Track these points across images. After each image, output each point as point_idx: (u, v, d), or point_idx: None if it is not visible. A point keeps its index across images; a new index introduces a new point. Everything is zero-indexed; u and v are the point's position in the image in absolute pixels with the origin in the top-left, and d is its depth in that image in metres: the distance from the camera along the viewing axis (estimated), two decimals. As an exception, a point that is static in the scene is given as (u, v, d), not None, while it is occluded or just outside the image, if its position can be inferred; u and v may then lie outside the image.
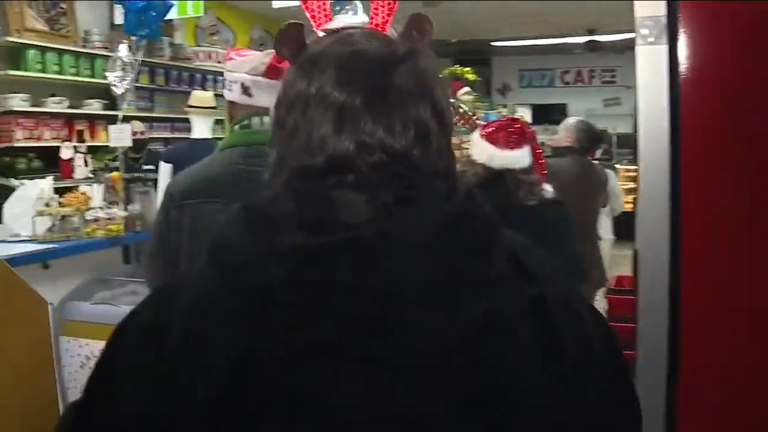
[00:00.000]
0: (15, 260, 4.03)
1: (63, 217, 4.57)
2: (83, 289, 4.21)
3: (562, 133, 4.72)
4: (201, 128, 5.14)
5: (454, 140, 5.98)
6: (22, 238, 4.54)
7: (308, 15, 1.05)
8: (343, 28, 1.02)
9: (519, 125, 2.99)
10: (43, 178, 5.22)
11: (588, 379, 0.92)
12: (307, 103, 0.95)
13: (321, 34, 1.03)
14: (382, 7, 1.03)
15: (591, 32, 13.02)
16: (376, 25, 1.03)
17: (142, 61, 8.53)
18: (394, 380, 0.84)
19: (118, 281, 4.35)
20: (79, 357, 4.09)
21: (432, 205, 0.90)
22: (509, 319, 0.89)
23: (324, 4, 1.05)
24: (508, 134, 2.90)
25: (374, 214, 0.88)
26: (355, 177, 0.91)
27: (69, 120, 7.74)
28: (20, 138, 7.06)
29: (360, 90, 0.93)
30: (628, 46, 3.45)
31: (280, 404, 0.82)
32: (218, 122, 5.23)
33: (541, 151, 3.08)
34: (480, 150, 2.93)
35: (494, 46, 14.96)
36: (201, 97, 5.23)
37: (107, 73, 4.99)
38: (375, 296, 0.85)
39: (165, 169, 4.99)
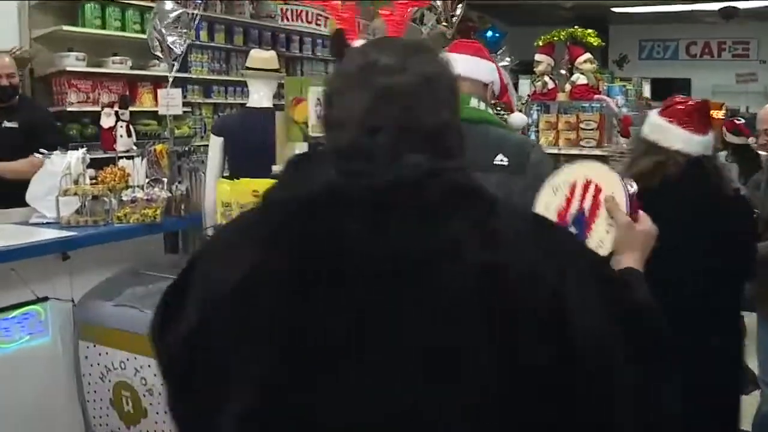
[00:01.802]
0: (24, 250, 3.47)
1: (95, 197, 4.01)
2: (110, 285, 3.80)
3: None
4: (260, 94, 4.47)
5: (571, 119, 5.23)
6: (47, 220, 4.02)
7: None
8: None
9: (707, 107, 2.90)
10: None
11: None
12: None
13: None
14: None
15: (727, -3, 11.93)
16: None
17: (218, 18, 8.28)
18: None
19: (153, 276, 3.85)
20: (99, 367, 3.60)
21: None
22: (450, 289, 1.02)
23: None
24: (700, 117, 2.77)
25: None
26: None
27: (132, 82, 7.31)
28: (74, 101, 6.65)
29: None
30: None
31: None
32: (280, 87, 4.55)
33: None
34: (672, 135, 2.74)
35: (614, 12, 14.10)
36: (261, 57, 4.55)
37: (151, 28, 4.39)
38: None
39: (215, 143, 4.40)
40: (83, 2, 6.79)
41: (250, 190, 3.07)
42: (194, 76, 7.90)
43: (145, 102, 7.30)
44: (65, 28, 6.58)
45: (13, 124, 4.87)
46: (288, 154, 3.79)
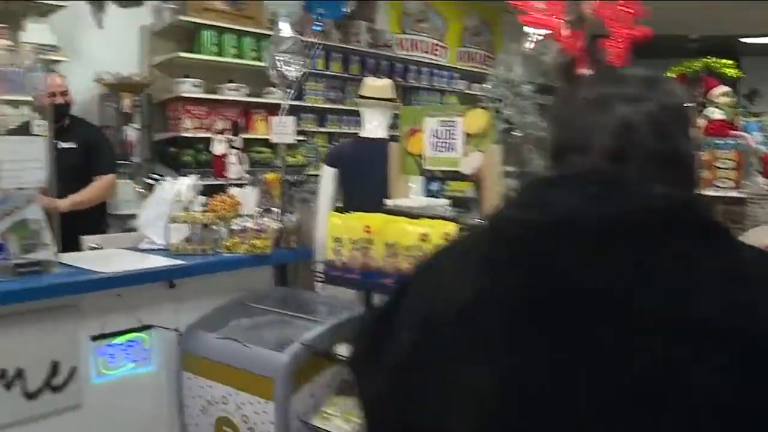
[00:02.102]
0: (132, 277, 3.45)
1: (205, 226, 3.97)
2: (215, 316, 3.73)
3: None
4: (374, 124, 4.37)
5: (706, 156, 4.92)
6: (156, 247, 4.03)
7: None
8: None
9: None
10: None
11: None
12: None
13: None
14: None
15: None
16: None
17: (336, 46, 8.30)
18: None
19: (259, 309, 3.80)
20: (200, 399, 3.54)
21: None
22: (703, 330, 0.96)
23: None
24: None
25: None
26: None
27: (246, 109, 7.36)
28: (189, 127, 6.76)
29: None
30: None
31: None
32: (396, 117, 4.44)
33: None
34: None
35: (743, 43, 13.67)
36: (376, 85, 4.45)
37: (268, 55, 4.35)
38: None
39: (328, 174, 4.32)
40: (201, 29, 6.91)
41: (362, 225, 2.95)
42: (309, 105, 7.92)
43: (259, 129, 7.33)
44: (183, 54, 6.71)
45: (71, 145, 4.80)
46: (402, 187, 3.68)
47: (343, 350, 3.15)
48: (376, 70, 8.73)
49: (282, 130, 4.34)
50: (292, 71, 4.35)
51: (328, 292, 3.81)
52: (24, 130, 3.54)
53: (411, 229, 2.83)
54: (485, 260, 1.11)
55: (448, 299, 1.10)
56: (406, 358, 1.12)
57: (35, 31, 5.65)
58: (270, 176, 4.29)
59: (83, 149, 4.71)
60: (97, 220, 4.60)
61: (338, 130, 8.35)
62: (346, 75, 8.51)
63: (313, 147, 7.95)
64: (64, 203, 3.76)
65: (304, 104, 7.77)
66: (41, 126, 3.59)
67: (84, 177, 4.64)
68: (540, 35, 4.08)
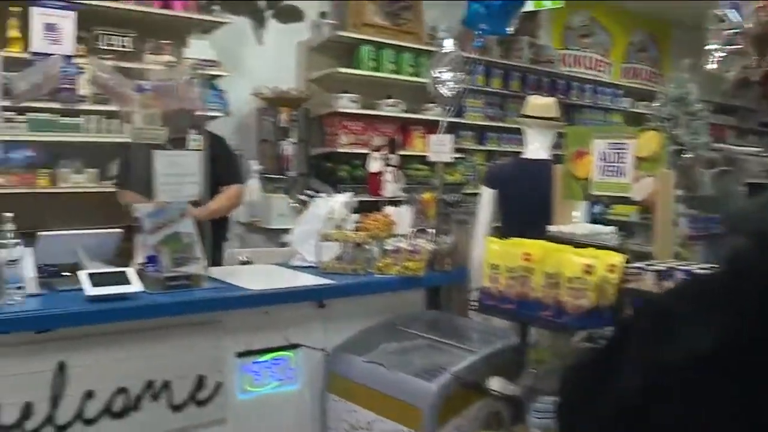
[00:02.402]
0: (280, 295, 3.43)
1: (357, 245, 3.90)
2: (363, 338, 3.67)
3: None
4: (536, 144, 4.18)
5: None
6: (306, 264, 4.01)
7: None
8: None
9: None
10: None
11: None
12: None
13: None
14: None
15: None
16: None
17: (496, 62, 8.14)
18: None
19: (409, 333, 3.70)
20: (345, 423, 3.52)
21: None
22: None
23: None
24: None
25: None
26: None
27: (404, 125, 7.33)
28: (345, 143, 6.78)
29: None
30: None
31: None
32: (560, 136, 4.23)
33: None
34: None
35: None
36: (540, 104, 4.26)
37: (432, 71, 4.24)
38: None
39: (486, 195, 4.18)
40: (360, 45, 6.92)
41: (521, 252, 2.77)
42: (468, 122, 7.79)
43: (416, 146, 7.28)
44: (341, 70, 6.76)
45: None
46: (566, 212, 3.48)
47: (495, 383, 2.98)
48: (538, 87, 8.52)
49: (440, 148, 4.23)
50: (453, 87, 4.22)
51: (481, 319, 3.67)
52: (180, 143, 3.56)
53: (575, 260, 2.63)
54: (731, 309, 1.02)
55: (685, 346, 1.02)
56: (634, 406, 1.04)
57: (197, 47, 5.80)
58: (426, 195, 4.18)
59: (210, 159, 4.63)
60: (221, 231, 4.59)
61: (498, 149, 8.21)
62: (506, 92, 8.36)
63: (471, 165, 7.84)
64: (202, 212, 3.77)
65: (463, 121, 7.65)
66: (197, 140, 3.60)
67: (210, 188, 4.64)
68: (724, 52, 3.77)
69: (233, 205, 4.56)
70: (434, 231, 4.04)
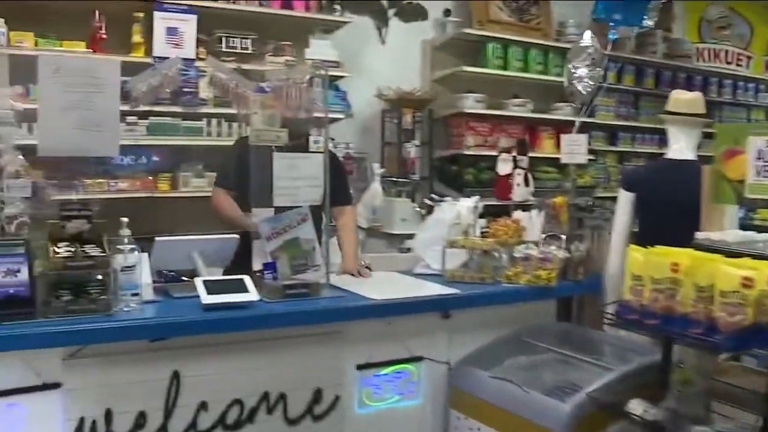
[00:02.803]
0: (404, 306, 3.34)
1: (484, 252, 3.73)
2: (490, 351, 3.54)
3: None
4: (681, 144, 3.87)
5: None
6: (431, 271, 3.89)
7: None
8: None
9: None
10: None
11: None
12: None
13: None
14: None
15: None
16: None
17: (629, 58, 7.78)
18: None
19: (538, 347, 3.59)
20: None
21: None
22: None
23: None
24: None
25: None
26: None
27: (532, 126, 7.11)
28: (471, 144, 6.62)
29: None
30: None
31: None
32: (707, 136, 3.93)
33: None
34: None
35: None
36: (685, 99, 3.95)
37: (570, 67, 4.03)
38: None
39: (625, 199, 3.93)
40: (486, 42, 6.76)
41: (668, 262, 2.52)
42: (599, 121, 7.48)
43: (545, 148, 7.07)
44: (466, 68, 6.60)
45: None
46: (716, 218, 3.20)
47: (635, 406, 2.74)
48: (672, 84, 8.07)
49: (573, 149, 4.08)
50: (589, 84, 4.00)
51: (617, 333, 3.46)
52: (301, 146, 3.44)
53: (731, 272, 2.36)
54: None
55: None
56: None
57: (319, 48, 5.76)
58: (558, 199, 3.99)
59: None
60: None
61: (630, 149, 7.86)
62: (639, 89, 7.98)
63: (602, 167, 7.54)
64: (352, 263, 3.74)
65: (594, 121, 7.34)
66: (318, 142, 3.49)
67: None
68: None
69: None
70: (566, 237, 3.84)
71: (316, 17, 5.85)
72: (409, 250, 4.67)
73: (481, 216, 4.10)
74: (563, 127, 7.00)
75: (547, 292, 3.66)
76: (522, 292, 3.62)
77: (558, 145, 7.02)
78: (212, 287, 2.93)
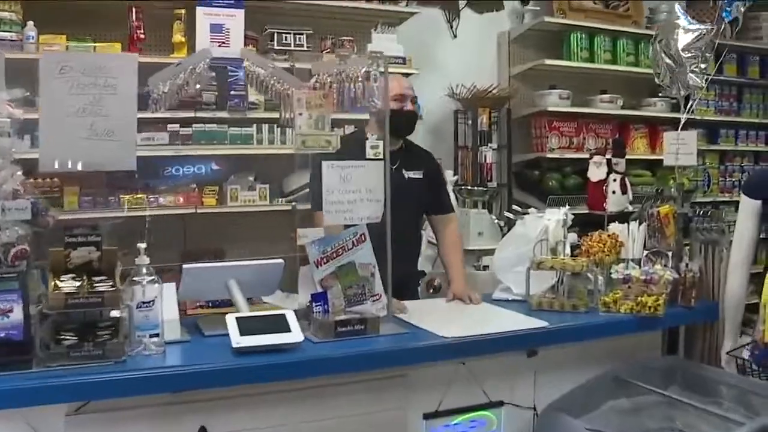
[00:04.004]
0: (480, 344, 2.91)
1: (576, 274, 3.27)
2: (584, 394, 3.11)
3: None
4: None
5: None
6: (512, 297, 3.47)
7: None
8: None
9: None
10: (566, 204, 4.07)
11: None
12: None
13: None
14: None
15: None
16: None
17: (731, 45, 7.19)
18: None
19: (641, 388, 3.14)
20: None
21: None
22: None
23: None
24: None
25: None
26: None
27: (623, 124, 6.67)
28: (555, 147, 6.22)
29: None
30: None
31: None
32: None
33: None
34: None
35: None
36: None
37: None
38: None
39: (750, 209, 3.39)
40: (569, 32, 6.40)
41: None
42: (696, 117, 6.91)
43: (637, 148, 6.66)
44: (547, 62, 6.23)
45: (418, 175, 3.79)
46: None
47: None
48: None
49: (680, 148, 3.74)
50: (698, 75, 3.55)
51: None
52: (355, 152, 3.00)
53: None
54: None
55: None
56: None
57: (382, 42, 5.41)
58: (663, 209, 3.56)
59: (427, 181, 3.88)
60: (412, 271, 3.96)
61: (733, 148, 7.35)
62: (742, 80, 7.43)
63: (702, 168, 7.02)
64: (462, 286, 3.40)
65: (690, 117, 6.78)
66: (377, 147, 3.01)
67: (420, 215, 3.94)
68: None
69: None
70: (673, 254, 3.43)
71: (380, 9, 5.54)
72: (486, 267, 4.32)
73: (571, 227, 3.65)
74: (655, 124, 6.69)
75: (653, 323, 3.22)
76: (624, 322, 3.19)
77: (651, 145, 6.64)
78: (246, 325, 2.51)
